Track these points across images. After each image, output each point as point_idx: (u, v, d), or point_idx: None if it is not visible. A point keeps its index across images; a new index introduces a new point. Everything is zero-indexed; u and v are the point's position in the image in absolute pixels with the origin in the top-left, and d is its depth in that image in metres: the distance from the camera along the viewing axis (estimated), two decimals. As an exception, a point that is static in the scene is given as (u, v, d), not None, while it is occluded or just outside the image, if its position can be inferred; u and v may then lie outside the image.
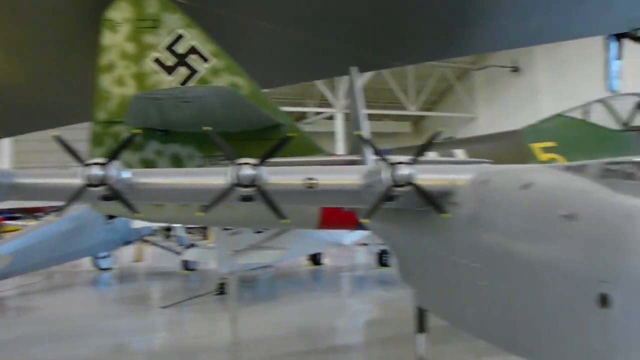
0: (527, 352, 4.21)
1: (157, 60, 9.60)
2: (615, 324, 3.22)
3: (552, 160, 9.65)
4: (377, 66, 16.81)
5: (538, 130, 10.61)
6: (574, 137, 10.30)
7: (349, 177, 5.02)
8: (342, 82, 38.50)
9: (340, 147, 34.72)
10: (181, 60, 9.63)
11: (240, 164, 4.83)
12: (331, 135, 37.86)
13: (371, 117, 44.57)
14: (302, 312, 15.17)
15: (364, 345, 12.47)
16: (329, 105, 39.60)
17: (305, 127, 41.28)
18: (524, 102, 38.02)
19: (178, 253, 22.15)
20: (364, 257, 23.91)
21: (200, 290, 18.01)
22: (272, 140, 9.24)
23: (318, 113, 41.56)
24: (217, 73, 9.62)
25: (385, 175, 4.70)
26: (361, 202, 5.04)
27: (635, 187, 3.49)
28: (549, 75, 39.36)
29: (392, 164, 4.69)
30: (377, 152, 4.85)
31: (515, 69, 41.09)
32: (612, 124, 11.22)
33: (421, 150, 4.83)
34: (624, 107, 11.47)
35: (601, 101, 11.52)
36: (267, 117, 9.30)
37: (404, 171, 4.66)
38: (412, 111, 42.97)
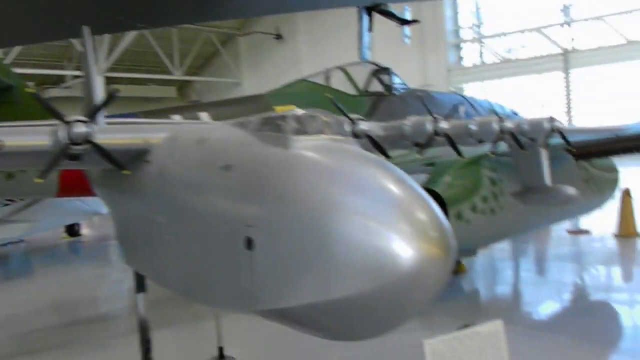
0: (199, 297, 4.50)
1: None
2: (258, 265, 3.54)
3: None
4: (119, 28, 16.09)
5: (282, 94, 11.12)
6: (313, 101, 10.90)
7: (38, 138, 4.80)
8: (103, 45, 36.64)
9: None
10: None
11: None
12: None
13: (135, 81, 43.07)
14: (58, 286, 14.46)
15: (124, 312, 12.27)
16: (88, 68, 37.39)
17: (63, 91, 38.74)
18: (287, 68, 39.33)
19: None
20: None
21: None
22: (2, 103, 8.63)
23: (77, 77, 39.07)
24: None
25: (62, 133, 4.64)
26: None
27: (280, 139, 3.83)
28: (310, 44, 41.21)
29: (69, 123, 4.63)
30: (56, 114, 4.72)
31: (279, 37, 42.32)
32: (349, 89, 12.14)
33: (97, 109, 4.80)
34: (361, 75, 12.47)
35: (340, 68, 12.38)
36: (-9, 78, 8.59)
37: (80, 129, 4.63)
38: (177, 76, 42.28)
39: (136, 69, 40.34)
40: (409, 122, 6.87)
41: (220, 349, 7.11)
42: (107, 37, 36.26)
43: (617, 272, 11.78)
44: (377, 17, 21.21)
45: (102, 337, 9.88)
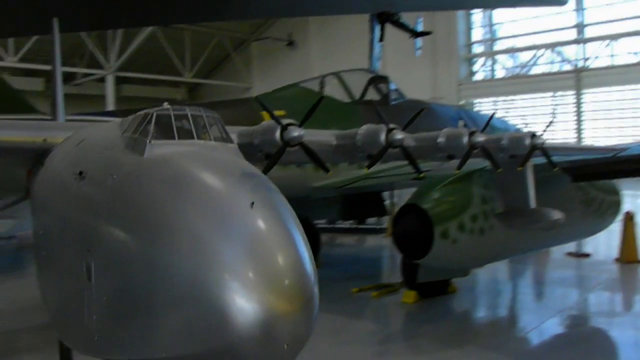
0: (59, 333, 3.94)
1: None
2: (94, 302, 2.95)
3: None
4: (101, 25, 15.54)
5: (272, 99, 10.77)
6: (304, 107, 10.53)
7: None
8: (115, 43, 36.51)
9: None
10: None
11: None
12: (102, 98, 35.72)
13: (145, 81, 42.95)
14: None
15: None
16: (100, 66, 37.27)
17: (73, 88, 38.58)
18: (297, 74, 38.68)
19: None
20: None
21: None
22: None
23: (87, 74, 38.91)
24: None
25: None
26: None
27: (136, 143, 3.23)
28: (321, 52, 40.98)
29: None
30: None
31: (291, 43, 42.05)
32: (344, 97, 11.75)
33: None
34: (357, 83, 12.07)
35: (336, 75, 12.00)
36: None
37: None
38: (188, 78, 42.10)
39: (147, 70, 40.19)
40: (362, 131, 6.21)
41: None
42: (119, 36, 36.15)
43: (615, 298, 11.26)
44: (389, 28, 20.92)
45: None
